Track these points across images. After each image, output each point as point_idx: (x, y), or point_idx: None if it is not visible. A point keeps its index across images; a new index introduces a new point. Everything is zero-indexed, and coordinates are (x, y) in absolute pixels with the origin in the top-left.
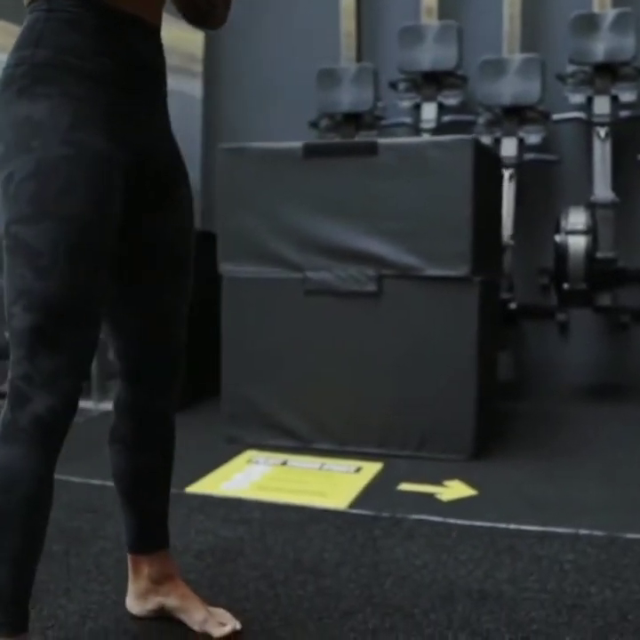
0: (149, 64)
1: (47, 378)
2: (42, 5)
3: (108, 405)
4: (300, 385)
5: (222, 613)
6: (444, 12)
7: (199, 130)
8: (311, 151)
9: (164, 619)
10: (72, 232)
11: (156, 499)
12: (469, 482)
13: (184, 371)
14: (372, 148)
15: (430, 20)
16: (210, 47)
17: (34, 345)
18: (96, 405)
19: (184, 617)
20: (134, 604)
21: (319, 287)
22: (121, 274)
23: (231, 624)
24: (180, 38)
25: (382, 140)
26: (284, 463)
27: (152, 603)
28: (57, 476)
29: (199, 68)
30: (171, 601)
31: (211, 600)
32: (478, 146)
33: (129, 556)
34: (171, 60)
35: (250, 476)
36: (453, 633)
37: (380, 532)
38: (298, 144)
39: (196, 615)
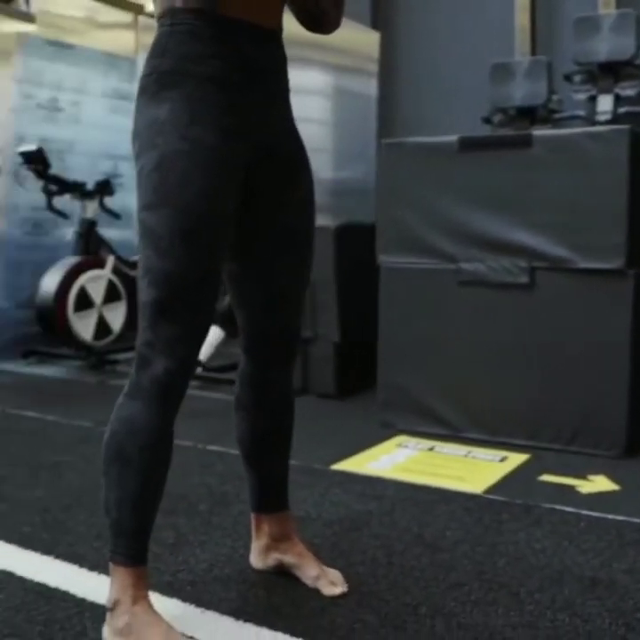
0: (265, 66)
1: (165, 344)
2: (166, 21)
3: None
4: (451, 374)
5: (335, 574)
6: (622, 1)
7: (374, 127)
8: (467, 144)
9: (281, 573)
10: (186, 220)
11: (274, 463)
12: (614, 477)
13: (298, 346)
14: (526, 140)
15: (607, 10)
16: (385, 47)
17: (155, 316)
18: None
19: (299, 573)
20: (256, 559)
21: (472, 278)
22: (245, 250)
23: (341, 586)
24: (356, 40)
25: (537, 132)
26: (431, 449)
27: (271, 559)
28: (215, 448)
29: (375, 67)
30: (288, 558)
31: (329, 562)
32: (635, 136)
33: (252, 515)
34: (345, 60)
35: (395, 458)
36: (553, 612)
37: (508, 516)
38: (453, 138)
39: (310, 572)
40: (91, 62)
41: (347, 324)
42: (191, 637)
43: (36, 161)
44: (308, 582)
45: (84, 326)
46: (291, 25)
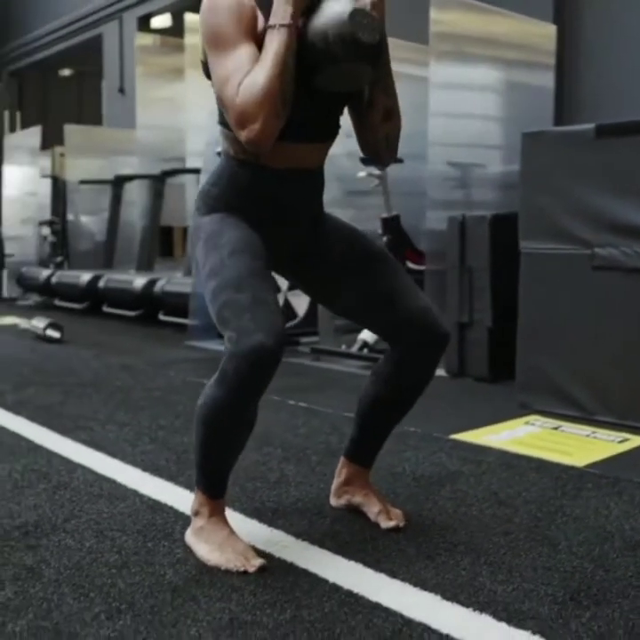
0: (298, 196)
1: (240, 338)
2: (223, 158)
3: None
4: (584, 357)
5: (396, 512)
6: None
7: (550, 119)
8: (603, 131)
9: (353, 511)
10: (227, 251)
11: (380, 430)
12: None
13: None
14: None
15: None
16: (562, 39)
17: (228, 317)
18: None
19: (365, 509)
20: (332, 497)
21: (606, 263)
22: (335, 295)
23: (397, 521)
24: (531, 34)
25: None
26: (557, 428)
27: (343, 499)
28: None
29: (551, 60)
30: (356, 498)
31: (400, 506)
32: None
33: (341, 458)
34: (519, 55)
35: (515, 433)
36: (580, 561)
37: (592, 486)
38: (590, 125)
39: (373, 508)
40: None
41: (500, 309)
42: (253, 545)
43: None
44: (371, 517)
45: (298, 303)
46: (462, 20)
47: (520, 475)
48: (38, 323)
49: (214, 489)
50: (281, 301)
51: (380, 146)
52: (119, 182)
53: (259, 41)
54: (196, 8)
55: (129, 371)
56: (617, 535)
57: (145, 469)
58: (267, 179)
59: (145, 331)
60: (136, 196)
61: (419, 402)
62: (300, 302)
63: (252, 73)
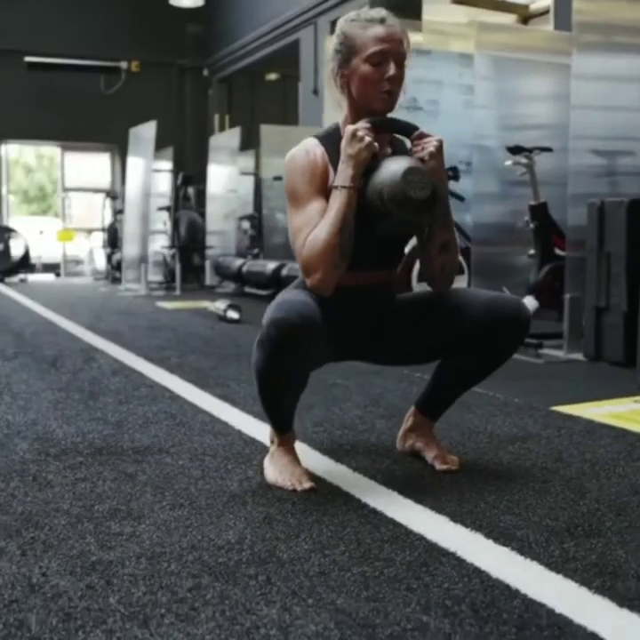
0: (363, 307)
1: (271, 314)
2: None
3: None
4: None
5: (451, 458)
6: None
7: None
8: None
9: (414, 455)
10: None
11: (451, 389)
12: None
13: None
14: None
15: None
16: None
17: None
18: (566, 355)
19: (423, 454)
20: (398, 441)
21: None
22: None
23: (450, 465)
24: None
25: None
26: None
27: (407, 444)
28: (482, 390)
29: None
30: (418, 444)
31: (463, 456)
32: None
33: (411, 407)
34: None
35: (617, 408)
36: (599, 507)
37: None
38: None
39: (431, 453)
40: (447, 64)
41: (636, 294)
42: (313, 473)
43: None
44: (428, 460)
45: None
46: (608, 8)
47: (595, 440)
48: (220, 305)
49: (278, 426)
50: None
51: (435, 274)
52: None
53: (329, 194)
54: (389, 10)
55: None
56: None
57: (256, 416)
58: (340, 293)
59: None
60: None
61: (538, 380)
62: None
63: (316, 229)
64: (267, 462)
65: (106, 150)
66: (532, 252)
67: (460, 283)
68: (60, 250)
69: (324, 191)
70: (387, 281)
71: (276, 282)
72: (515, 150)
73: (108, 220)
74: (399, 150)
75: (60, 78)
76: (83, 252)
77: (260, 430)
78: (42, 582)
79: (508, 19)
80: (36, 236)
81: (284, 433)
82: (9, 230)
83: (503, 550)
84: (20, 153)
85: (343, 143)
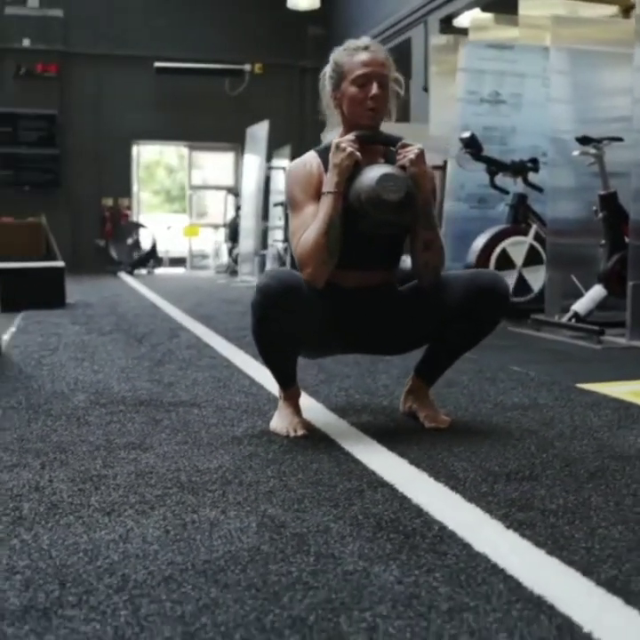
0: (363, 306)
1: (258, 283)
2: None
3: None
4: None
5: (441, 418)
6: None
7: None
8: None
9: (412, 415)
10: None
11: (441, 356)
12: None
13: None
14: None
15: None
16: None
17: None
18: (628, 342)
19: (418, 414)
20: (401, 405)
21: None
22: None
23: (438, 423)
24: None
25: None
26: None
27: (407, 405)
28: (519, 368)
29: None
30: (414, 405)
31: (460, 420)
32: None
33: (412, 372)
34: None
35: (638, 387)
36: (590, 481)
37: None
38: None
39: (423, 413)
40: (532, 57)
41: None
42: (312, 423)
43: (470, 145)
44: (420, 419)
45: None
46: None
47: (595, 411)
48: None
49: (279, 381)
50: (514, 278)
51: (420, 270)
52: None
53: None
54: (489, 6)
55: None
56: (618, 451)
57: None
58: (340, 294)
59: None
60: None
61: (584, 363)
62: (536, 278)
63: (307, 231)
64: (275, 412)
65: (230, 149)
66: (602, 241)
67: (539, 272)
68: (186, 245)
69: (318, 197)
70: (386, 281)
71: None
72: (583, 141)
73: (230, 215)
74: (391, 161)
75: (187, 82)
76: (209, 247)
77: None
78: (45, 485)
79: (610, 10)
80: (165, 232)
81: (287, 388)
82: (139, 225)
83: (437, 486)
84: (162, 154)
85: (330, 155)
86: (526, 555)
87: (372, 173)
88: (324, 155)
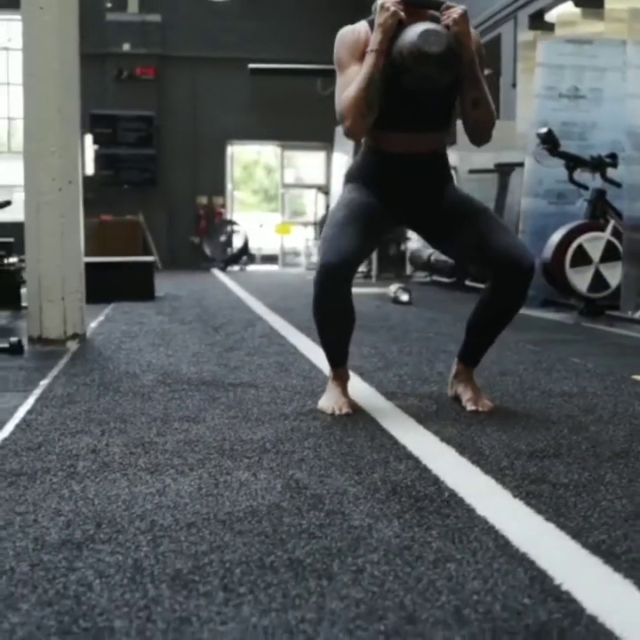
0: (414, 176)
1: (319, 259)
2: (359, 149)
3: None
4: None
5: (484, 402)
6: None
7: None
8: None
9: (457, 399)
10: (342, 213)
11: (479, 338)
12: None
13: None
14: None
15: None
16: None
17: (320, 247)
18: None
19: (461, 397)
20: (448, 389)
21: None
22: (446, 239)
23: (479, 406)
24: None
25: None
26: None
27: (453, 389)
28: (577, 360)
29: None
30: (459, 388)
31: (499, 402)
32: None
33: (456, 357)
34: None
35: None
36: (594, 451)
37: None
38: None
39: (466, 395)
40: (612, 51)
41: None
42: (358, 403)
43: (547, 141)
44: (463, 402)
45: (580, 280)
46: None
47: (630, 394)
48: (393, 288)
49: (331, 359)
50: (590, 274)
51: (470, 129)
52: (502, 171)
53: None
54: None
55: (431, 321)
56: None
57: (358, 373)
58: (387, 160)
59: None
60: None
61: (638, 357)
62: (613, 274)
63: (349, 87)
64: (324, 394)
65: (321, 148)
66: None
67: (616, 268)
68: (279, 242)
69: (363, 59)
70: (436, 148)
71: (457, 270)
72: None
73: (320, 213)
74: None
75: (280, 82)
76: (301, 245)
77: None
78: (101, 448)
79: None
80: (258, 230)
81: (336, 367)
82: (232, 223)
83: (460, 460)
84: (260, 154)
85: (375, 16)
86: (524, 520)
87: (415, 29)
88: (372, 22)
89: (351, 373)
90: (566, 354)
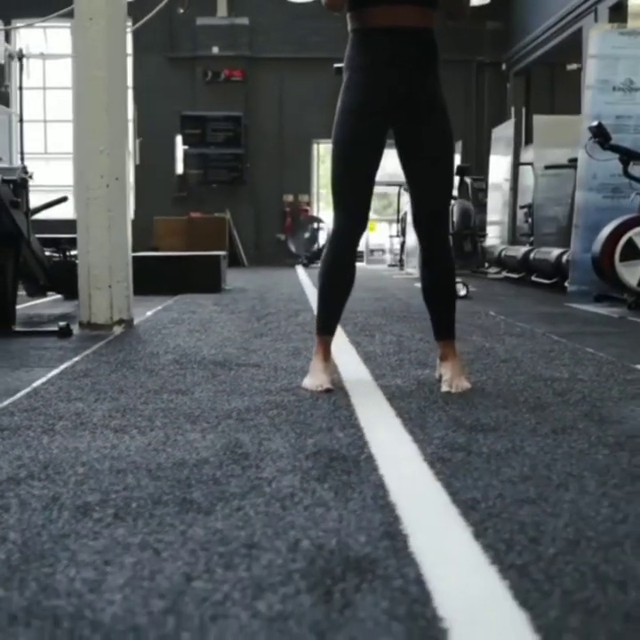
0: (406, 51)
1: (334, 220)
2: (350, 37)
3: None
4: None
5: (459, 383)
6: None
7: None
8: None
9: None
10: (338, 151)
11: (439, 307)
12: None
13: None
14: None
15: None
16: None
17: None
18: None
19: (442, 375)
20: (436, 371)
21: None
22: (405, 162)
23: (451, 388)
24: None
25: None
26: None
27: (438, 372)
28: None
29: None
30: (443, 369)
31: (482, 381)
32: None
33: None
34: None
35: None
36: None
37: None
38: None
39: (444, 375)
40: None
41: None
42: (340, 381)
43: (598, 134)
44: (443, 379)
45: (630, 274)
46: None
47: (623, 386)
48: None
49: (319, 326)
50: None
51: (449, 4)
52: (576, 166)
53: None
54: None
55: (472, 314)
56: (603, 418)
57: (364, 358)
58: (372, 39)
59: (551, 296)
60: None
61: None
62: (633, 273)
63: None
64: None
65: None
66: None
67: None
68: (363, 239)
69: None
70: (424, 22)
71: (559, 270)
72: None
73: (403, 211)
74: None
75: None
76: (385, 242)
77: (347, 366)
78: (86, 412)
79: None
80: None
81: (323, 333)
82: (316, 220)
83: (400, 430)
84: None
85: None
86: (417, 480)
87: None
88: None
89: (353, 356)
90: (585, 344)
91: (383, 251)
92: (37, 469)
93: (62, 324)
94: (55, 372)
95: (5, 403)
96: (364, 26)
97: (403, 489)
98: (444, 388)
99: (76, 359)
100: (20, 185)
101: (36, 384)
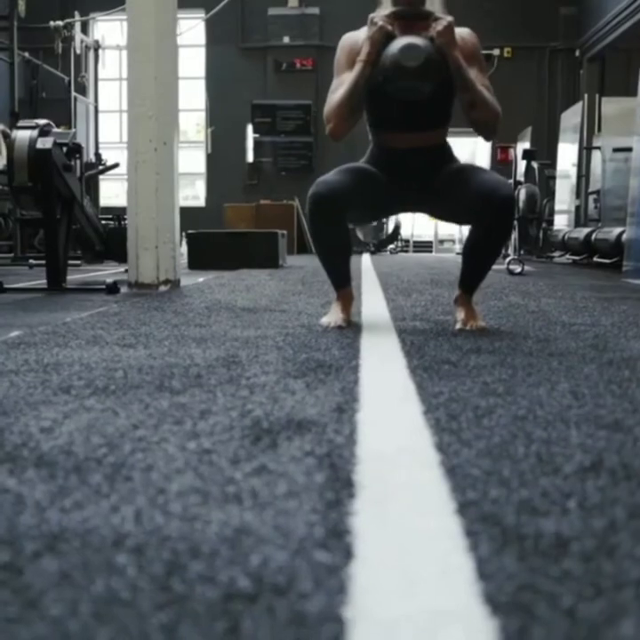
0: (416, 166)
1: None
2: (370, 144)
3: None
4: None
5: (474, 323)
6: None
7: None
8: None
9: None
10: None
11: (470, 264)
12: None
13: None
14: None
15: None
16: None
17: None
18: None
19: (457, 318)
20: (452, 314)
21: None
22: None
23: (465, 326)
24: None
25: None
26: None
27: (455, 316)
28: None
29: None
30: (457, 312)
31: (500, 328)
32: None
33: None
34: None
35: None
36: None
37: None
38: None
39: (458, 316)
40: None
41: None
42: (355, 320)
43: None
44: (456, 322)
45: None
46: None
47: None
48: (506, 260)
49: (334, 281)
50: None
51: (473, 126)
52: None
53: None
54: None
55: (519, 283)
56: (600, 349)
57: (391, 308)
58: (391, 155)
59: (609, 274)
60: None
61: None
62: None
63: (336, 92)
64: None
65: (472, 134)
66: None
67: None
68: (432, 229)
69: None
70: (438, 142)
71: (619, 249)
72: None
73: None
74: None
75: None
76: (455, 231)
77: (371, 311)
78: (101, 333)
79: None
80: (413, 217)
81: (339, 288)
82: None
83: (395, 349)
84: None
85: (367, 28)
86: (389, 383)
87: (397, 43)
88: None
89: (382, 308)
90: (623, 306)
91: (453, 241)
92: (38, 366)
93: (109, 281)
94: (89, 312)
95: (32, 331)
96: (382, 145)
97: (374, 385)
98: (459, 326)
99: (114, 305)
100: (74, 149)
101: (68, 319)
